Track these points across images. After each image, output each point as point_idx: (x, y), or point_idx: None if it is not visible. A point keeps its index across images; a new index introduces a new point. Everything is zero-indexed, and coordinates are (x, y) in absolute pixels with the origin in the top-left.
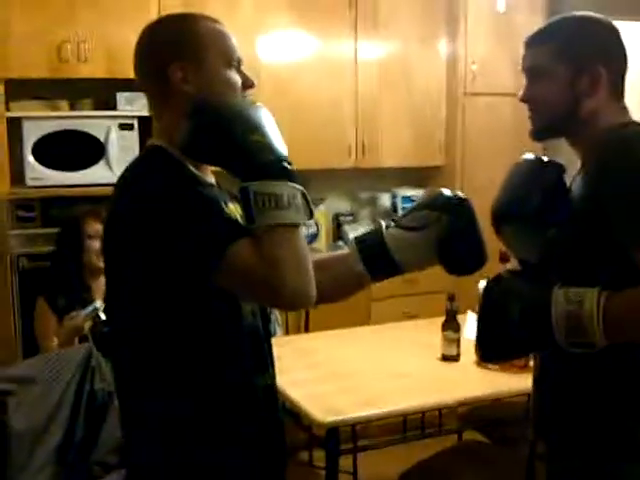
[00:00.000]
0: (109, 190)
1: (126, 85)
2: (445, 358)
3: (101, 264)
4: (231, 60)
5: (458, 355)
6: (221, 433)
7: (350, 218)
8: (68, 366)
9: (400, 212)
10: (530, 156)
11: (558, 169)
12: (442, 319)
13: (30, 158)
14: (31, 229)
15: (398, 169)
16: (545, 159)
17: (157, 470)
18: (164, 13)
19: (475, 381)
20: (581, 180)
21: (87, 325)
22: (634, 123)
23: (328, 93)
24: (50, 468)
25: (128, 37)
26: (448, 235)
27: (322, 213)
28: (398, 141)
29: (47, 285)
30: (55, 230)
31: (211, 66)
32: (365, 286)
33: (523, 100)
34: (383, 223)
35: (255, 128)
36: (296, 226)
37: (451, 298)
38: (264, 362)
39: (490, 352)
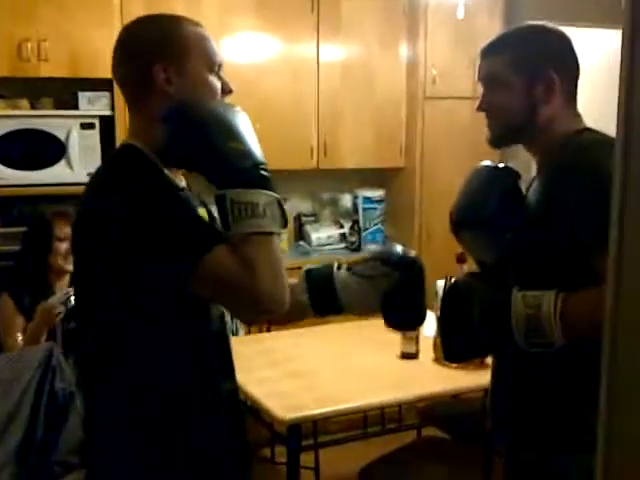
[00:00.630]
0: (70, 189)
1: (87, 84)
2: (404, 355)
3: (67, 266)
4: (213, 64)
5: (417, 352)
6: (186, 435)
7: (312, 218)
8: (29, 365)
9: (361, 212)
10: (487, 163)
11: (514, 175)
12: None
13: None
14: None
15: (359, 170)
16: (501, 165)
17: (120, 470)
18: (126, 13)
19: (434, 378)
20: (538, 185)
21: (60, 309)
22: (588, 130)
23: (291, 95)
24: (10, 468)
25: (90, 36)
26: (394, 290)
27: None
28: (359, 143)
29: (11, 282)
30: (16, 229)
31: (194, 69)
32: (306, 317)
33: (481, 109)
34: (336, 263)
35: (233, 134)
36: (272, 234)
37: None
38: (229, 366)
39: (454, 353)
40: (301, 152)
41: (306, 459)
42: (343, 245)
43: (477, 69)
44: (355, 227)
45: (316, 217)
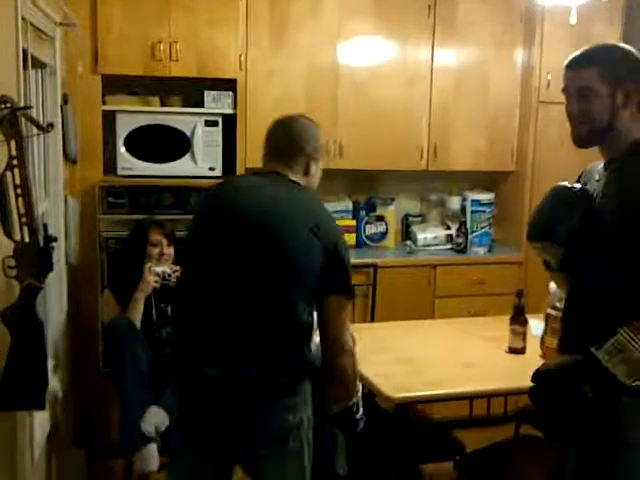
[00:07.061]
0: (193, 182)
1: (213, 84)
2: (512, 350)
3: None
4: None
5: (524, 348)
6: None
7: (419, 219)
8: None
9: (468, 215)
10: (565, 184)
11: (589, 198)
12: (509, 316)
13: (122, 149)
14: (120, 215)
15: (468, 172)
16: (578, 187)
17: None
18: (251, 14)
19: None
20: (610, 179)
21: (157, 278)
22: None
23: (404, 97)
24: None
25: (216, 38)
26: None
27: (392, 213)
28: (470, 145)
29: (112, 279)
30: (141, 216)
31: None
32: None
33: (573, 114)
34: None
35: None
36: None
37: (519, 294)
38: None
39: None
40: (411, 153)
41: None
42: (449, 246)
43: (563, 79)
44: (462, 229)
45: (423, 218)
